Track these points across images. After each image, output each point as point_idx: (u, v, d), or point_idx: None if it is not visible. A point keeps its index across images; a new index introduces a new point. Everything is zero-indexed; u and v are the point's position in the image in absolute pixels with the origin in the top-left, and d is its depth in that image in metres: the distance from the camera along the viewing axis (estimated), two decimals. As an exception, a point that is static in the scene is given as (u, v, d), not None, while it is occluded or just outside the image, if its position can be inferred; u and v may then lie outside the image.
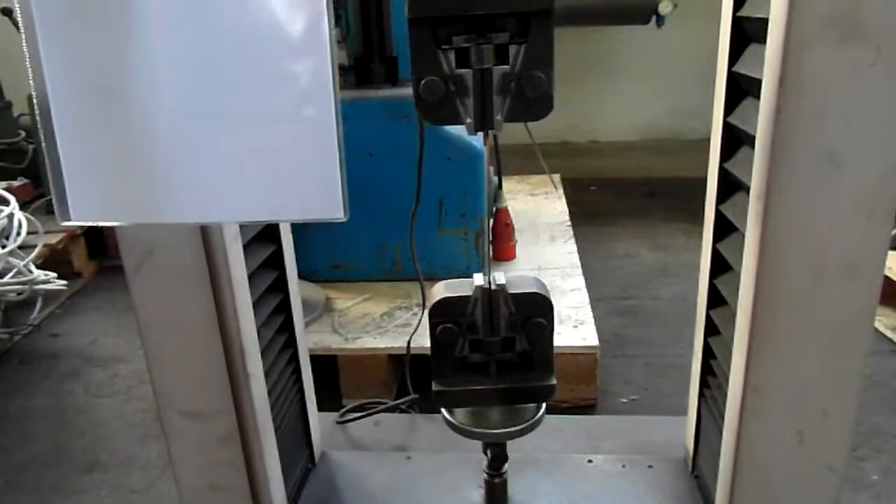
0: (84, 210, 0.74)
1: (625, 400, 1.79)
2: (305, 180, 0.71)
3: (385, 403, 1.42)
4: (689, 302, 2.27)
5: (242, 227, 0.89)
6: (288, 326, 1.06)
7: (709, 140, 0.98)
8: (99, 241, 2.72)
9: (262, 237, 0.99)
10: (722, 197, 0.97)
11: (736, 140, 0.92)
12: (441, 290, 0.93)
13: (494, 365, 0.93)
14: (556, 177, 2.97)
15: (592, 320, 1.80)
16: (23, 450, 1.72)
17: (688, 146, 3.87)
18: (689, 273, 2.47)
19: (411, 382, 1.50)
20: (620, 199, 3.31)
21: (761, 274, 0.79)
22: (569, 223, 2.53)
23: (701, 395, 1.05)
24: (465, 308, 0.91)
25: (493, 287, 0.91)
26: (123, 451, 1.69)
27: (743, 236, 0.84)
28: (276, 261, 1.02)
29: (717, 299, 0.99)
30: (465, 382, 0.93)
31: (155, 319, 0.87)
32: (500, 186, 2.20)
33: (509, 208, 2.22)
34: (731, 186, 0.95)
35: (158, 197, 0.73)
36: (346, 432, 1.28)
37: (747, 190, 0.80)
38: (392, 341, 1.75)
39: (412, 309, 1.91)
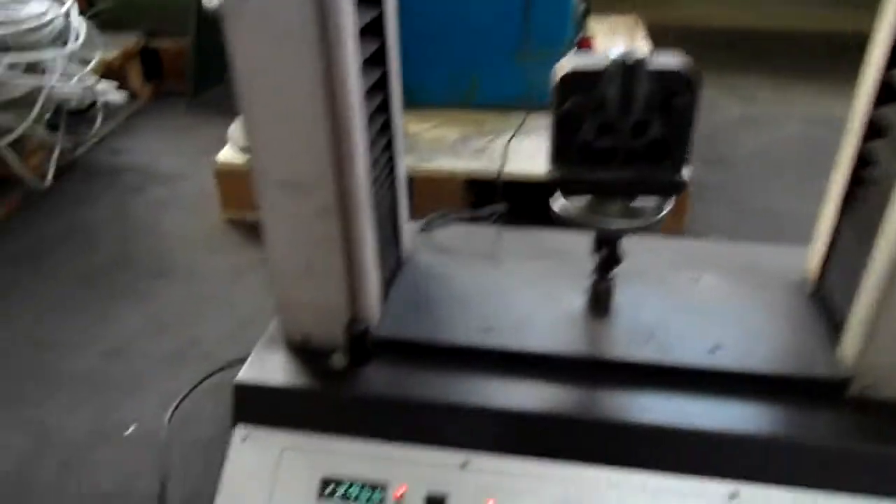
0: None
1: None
2: None
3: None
4: (775, 154, 2.13)
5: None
6: (385, 108, 0.96)
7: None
8: (155, 64, 2.63)
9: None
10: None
11: None
12: (570, 62, 0.82)
13: (623, 152, 0.84)
14: (638, 19, 2.75)
15: (683, 156, 1.68)
16: (90, 256, 1.71)
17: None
18: (777, 125, 2.31)
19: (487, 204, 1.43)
20: (702, 49, 3.08)
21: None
22: (652, 64, 2.35)
23: (842, 210, 0.95)
24: (596, 83, 0.81)
25: (630, 62, 0.80)
26: (193, 262, 1.68)
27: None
28: (376, 28, 0.91)
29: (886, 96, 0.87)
30: (588, 169, 0.84)
31: (256, 75, 0.78)
32: (586, 13, 2.02)
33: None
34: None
35: None
36: (430, 241, 1.21)
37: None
38: (469, 164, 1.66)
39: (487, 136, 1.80)
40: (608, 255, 0.93)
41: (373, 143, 0.91)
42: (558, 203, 0.90)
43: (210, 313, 1.49)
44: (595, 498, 0.84)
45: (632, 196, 0.87)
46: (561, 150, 0.84)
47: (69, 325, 1.47)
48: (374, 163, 0.92)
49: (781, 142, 2.21)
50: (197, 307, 1.51)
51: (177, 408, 1.18)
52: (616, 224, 0.88)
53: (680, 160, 0.84)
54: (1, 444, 1.20)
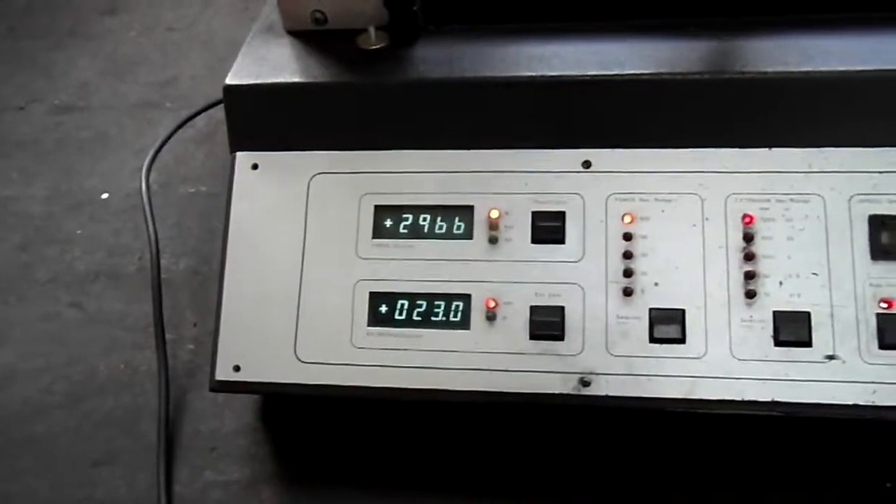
0: None
1: None
2: None
3: None
4: None
5: None
6: None
7: None
8: None
9: None
10: None
11: None
12: None
13: None
14: None
15: None
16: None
17: None
18: None
19: None
20: None
21: None
22: None
23: None
24: None
25: None
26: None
27: None
28: None
29: None
30: None
31: None
32: None
33: None
34: None
35: None
36: None
37: None
38: None
39: None
40: None
41: None
42: None
43: (180, 48, 1.15)
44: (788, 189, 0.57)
45: None
46: None
47: (2, 81, 1.14)
48: None
49: None
50: (163, 42, 1.16)
51: (154, 160, 0.88)
52: None
53: None
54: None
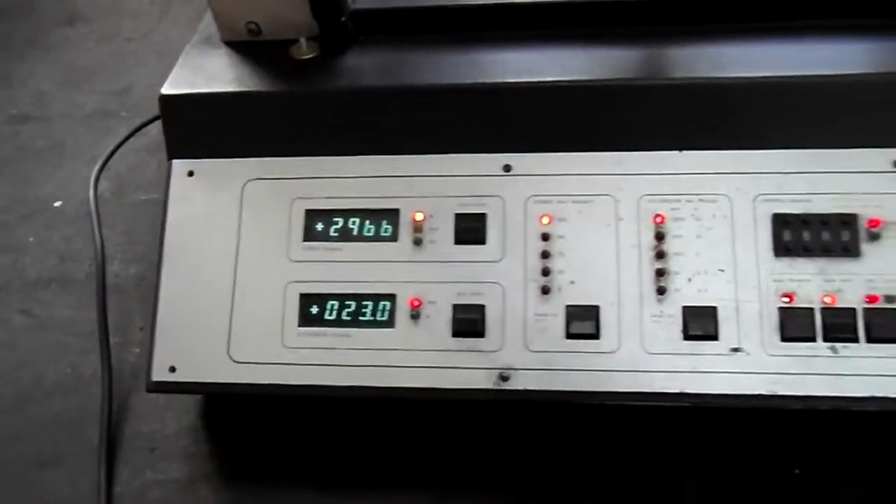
0: None
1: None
2: None
3: None
4: None
5: None
6: None
7: None
8: None
9: None
10: None
11: None
12: None
13: None
14: None
15: None
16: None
17: None
18: None
19: None
20: None
21: None
22: None
23: None
24: None
25: None
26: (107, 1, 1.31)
27: None
28: None
29: None
30: None
31: None
32: None
33: None
34: None
35: None
36: None
37: None
38: None
39: None
40: None
41: None
42: None
43: (137, 58, 1.16)
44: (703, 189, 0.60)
45: None
46: None
47: (-39, 93, 1.15)
48: None
49: None
50: (119, 52, 1.18)
51: (103, 168, 0.90)
52: None
53: None
54: None
